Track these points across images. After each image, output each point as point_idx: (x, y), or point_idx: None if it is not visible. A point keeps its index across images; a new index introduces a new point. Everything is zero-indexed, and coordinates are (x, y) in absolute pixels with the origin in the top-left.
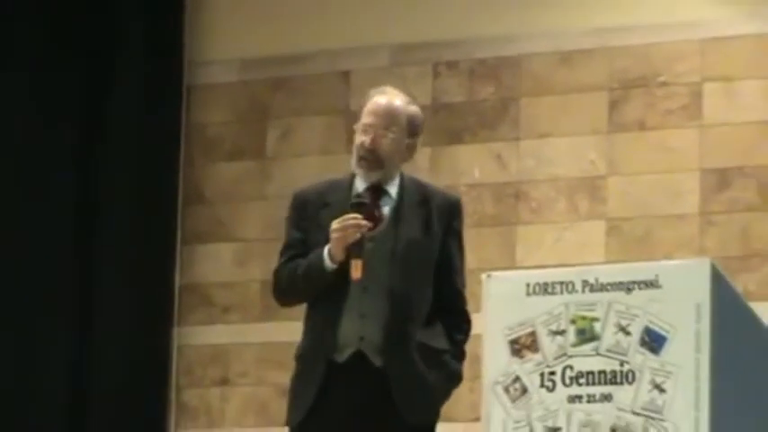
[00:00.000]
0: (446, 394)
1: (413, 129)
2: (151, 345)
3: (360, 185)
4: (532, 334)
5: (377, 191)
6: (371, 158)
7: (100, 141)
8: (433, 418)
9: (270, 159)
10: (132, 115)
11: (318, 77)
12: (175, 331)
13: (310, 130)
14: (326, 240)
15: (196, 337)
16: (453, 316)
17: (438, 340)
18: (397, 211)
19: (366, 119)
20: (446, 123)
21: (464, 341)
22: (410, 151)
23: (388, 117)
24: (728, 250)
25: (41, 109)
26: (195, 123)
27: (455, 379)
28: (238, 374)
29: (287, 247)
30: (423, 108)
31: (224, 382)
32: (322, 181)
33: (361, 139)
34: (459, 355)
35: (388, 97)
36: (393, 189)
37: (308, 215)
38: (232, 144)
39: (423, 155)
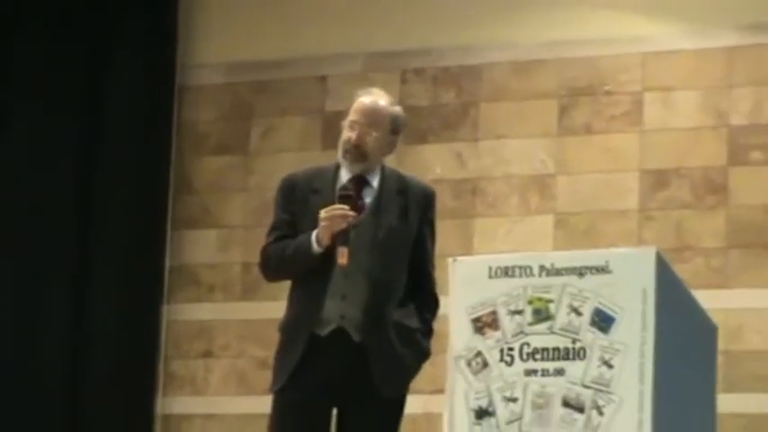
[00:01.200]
0: (417, 369)
1: (395, 127)
2: (143, 320)
3: (344, 175)
4: (493, 313)
5: (360, 181)
6: (357, 153)
7: (99, 136)
8: (405, 392)
9: (252, 154)
10: (129, 112)
11: (297, 81)
12: (165, 308)
13: (289, 129)
14: (313, 223)
15: (183, 313)
16: (424, 297)
17: (411, 319)
18: (377, 200)
19: (353, 116)
20: (412, 125)
21: (432, 320)
22: (391, 147)
23: (373, 116)
24: (664, 243)
25: (45, 106)
26: (185, 121)
27: (425, 355)
28: (221, 348)
29: (274, 227)
30: None
31: (208, 354)
32: (310, 167)
33: (348, 134)
34: (428, 333)
35: (374, 98)
36: (374, 180)
37: (296, 199)
38: (218, 140)
39: None
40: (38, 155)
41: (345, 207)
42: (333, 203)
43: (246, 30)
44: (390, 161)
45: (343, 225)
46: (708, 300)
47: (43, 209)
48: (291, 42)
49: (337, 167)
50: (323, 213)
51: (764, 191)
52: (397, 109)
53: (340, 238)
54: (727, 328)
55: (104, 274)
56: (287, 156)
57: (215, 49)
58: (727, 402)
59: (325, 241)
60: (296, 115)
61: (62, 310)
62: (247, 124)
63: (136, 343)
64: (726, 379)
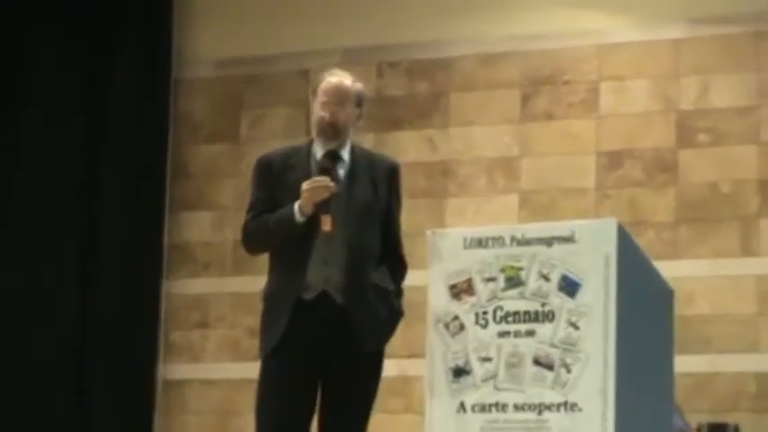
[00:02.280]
0: (394, 326)
1: (360, 102)
2: (144, 294)
3: (318, 152)
4: (469, 281)
5: (333, 156)
6: (332, 130)
7: (102, 126)
8: (383, 346)
9: (242, 142)
10: (129, 104)
11: (283, 75)
12: (164, 283)
13: (276, 119)
14: (291, 197)
15: (181, 287)
16: (395, 260)
17: (386, 281)
18: (350, 173)
19: (323, 97)
20: (388, 113)
21: (402, 281)
22: (358, 119)
23: (342, 95)
24: (619, 218)
25: (52, 101)
26: (181, 111)
27: (400, 313)
28: (216, 319)
29: (253, 204)
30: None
31: (204, 324)
32: (283, 147)
33: (320, 114)
34: (400, 294)
35: (340, 78)
36: (345, 154)
37: (273, 176)
38: (211, 129)
39: (368, 139)
40: (45, 146)
41: (326, 179)
42: (309, 178)
43: (236, 28)
44: (369, 146)
45: (326, 195)
46: (660, 270)
47: (52, 193)
48: (277, 39)
49: (310, 144)
50: (305, 185)
51: (710, 170)
52: (359, 85)
53: (322, 207)
54: (678, 296)
55: (108, 253)
56: (274, 143)
57: (208, 45)
58: (678, 362)
59: (308, 210)
60: (282, 106)
61: (70, 285)
62: (238, 114)
63: (138, 315)
64: (678, 341)
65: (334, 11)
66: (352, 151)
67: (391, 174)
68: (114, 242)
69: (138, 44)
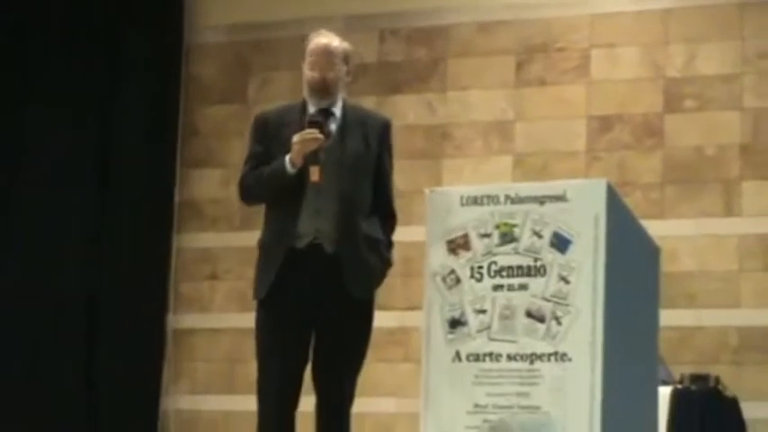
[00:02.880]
0: (383, 275)
1: (347, 59)
2: (156, 247)
3: (311, 109)
4: (465, 236)
5: (326, 113)
6: (323, 89)
7: (118, 90)
8: (373, 293)
9: (250, 104)
10: (144, 69)
11: (288, 40)
12: (175, 237)
13: (282, 82)
14: (284, 151)
15: (191, 241)
16: (385, 212)
17: (376, 231)
18: (342, 128)
19: (313, 57)
20: (389, 78)
21: (392, 233)
22: (348, 77)
23: (330, 55)
24: (608, 179)
25: (71, 65)
26: (193, 75)
27: (389, 263)
28: (223, 271)
29: (250, 158)
30: (370, 66)
31: (213, 277)
32: (278, 106)
33: (311, 74)
34: (390, 244)
35: (328, 39)
36: (337, 111)
37: (269, 132)
38: (221, 92)
39: (369, 101)
40: (63, 109)
41: (315, 131)
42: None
43: None
44: (370, 107)
45: (314, 146)
46: (647, 228)
47: (69, 151)
48: (283, 6)
49: (304, 103)
50: (295, 138)
51: (695, 134)
52: (346, 44)
53: (311, 158)
54: (664, 253)
55: (122, 208)
56: (280, 104)
57: (217, 12)
58: (663, 316)
59: (298, 162)
60: (287, 70)
61: (87, 238)
62: (246, 78)
63: (150, 267)
64: (663, 297)
65: None
66: (344, 108)
67: (383, 130)
68: (128, 198)
69: (151, 12)
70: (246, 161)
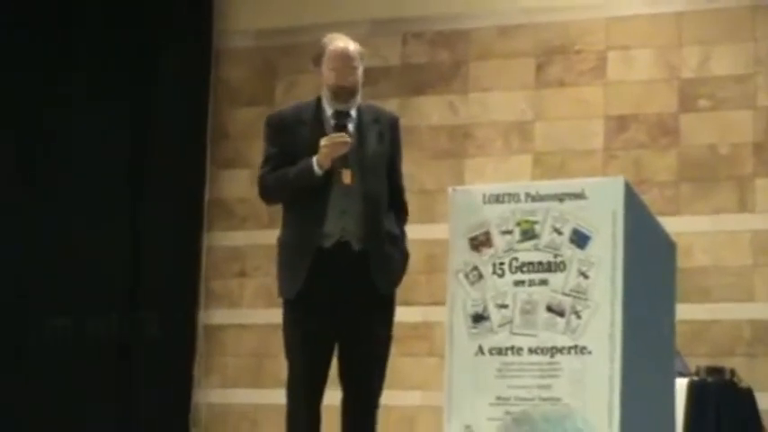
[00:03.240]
0: (404, 269)
1: (362, 61)
2: (187, 246)
3: (327, 109)
4: (487, 233)
5: (342, 113)
6: (347, 92)
7: (151, 92)
8: (397, 287)
9: (277, 106)
10: (176, 72)
11: (314, 45)
12: (205, 235)
13: (308, 85)
14: (304, 149)
15: (221, 239)
16: (398, 205)
17: (395, 227)
18: (358, 128)
19: (334, 62)
20: (412, 79)
21: (404, 224)
22: (363, 76)
23: (350, 59)
24: (625, 177)
25: (108, 70)
26: (222, 78)
27: (408, 255)
28: (252, 268)
29: (268, 159)
30: (394, 68)
31: (242, 274)
32: (291, 105)
33: (333, 78)
34: (404, 236)
35: (345, 43)
36: (353, 111)
37: (287, 132)
38: (249, 94)
39: (393, 103)
40: (100, 109)
41: (344, 135)
42: (322, 133)
43: (272, 2)
44: (394, 109)
45: (344, 150)
46: (663, 224)
47: (107, 153)
48: (309, 12)
49: (318, 102)
50: (324, 141)
51: (709, 133)
52: (358, 45)
53: (341, 161)
54: (679, 249)
55: (156, 208)
56: None
57: (246, 18)
58: (679, 310)
59: (326, 165)
60: (312, 73)
61: (123, 237)
62: (273, 81)
63: (182, 265)
64: (678, 291)
65: None
66: (358, 108)
67: (393, 126)
68: (161, 198)
69: (183, 18)
70: (265, 161)
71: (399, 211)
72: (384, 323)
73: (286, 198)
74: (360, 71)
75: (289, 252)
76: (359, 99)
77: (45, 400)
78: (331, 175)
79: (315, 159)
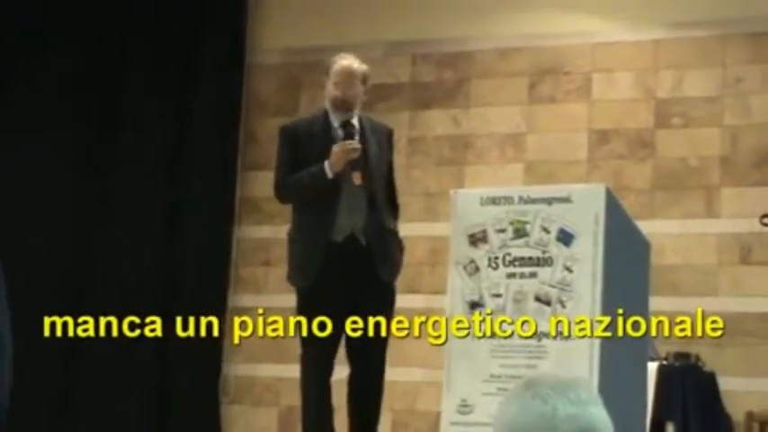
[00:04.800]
0: (402, 260)
1: (365, 80)
2: (220, 238)
3: (334, 121)
4: (484, 231)
5: (347, 124)
6: (345, 106)
7: (191, 104)
8: (397, 276)
9: (301, 116)
10: (211, 84)
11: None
12: (236, 229)
13: None
14: (316, 156)
15: (250, 233)
16: (394, 205)
17: (392, 224)
18: (361, 136)
19: (338, 78)
20: (420, 96)
21: (397, 221)
22: (365, 95)
23: (351, 76)
24: (606, 184)
25: (151, 86)
26: (253, 90)
27: (403, 249)
28: (277, 259)
29: (284, 164)
30: (405, 85)
31: (267, 263)
32: (302, 117)
33: (335, 93)
34: (398, 231)
35: (349, 61)
36: (355, 121)
37: (300, 140)
38: (276, 105)
39: (404, 117)
40: (143, 120)
41: (355, 141)
42: (331, 142)
43: (298, 23)
44: (404, 122)
45: (356, 155)
46: (639, 227)
47: (149, 157)
48: (331, 32)
49: (326, 115)
50: (336, 147)
51: (681, 147)
52: (365, 66)
53: (354, 165)
54: (653, 248)
55: (192, 205)
56: None
57: (274, 37)
58: (652, 303)
59: (339, 168)
60: None
61: (162, 230)
62: (297, 94)
63: (214, 255)
64: (651, 286)
65: (378, 11)
66: (360, 118)
67: (389, 136)
68: (196, 196)
69: (218, 37)
70: (281, 167)
71: (393, 208)
72: (385, 306)
73: (303, 198)
74: (360, 88)
75: (302, 245)
76: (357, 112)
77: (93, 377)
78: (339, 177)
79: (327, 164)
